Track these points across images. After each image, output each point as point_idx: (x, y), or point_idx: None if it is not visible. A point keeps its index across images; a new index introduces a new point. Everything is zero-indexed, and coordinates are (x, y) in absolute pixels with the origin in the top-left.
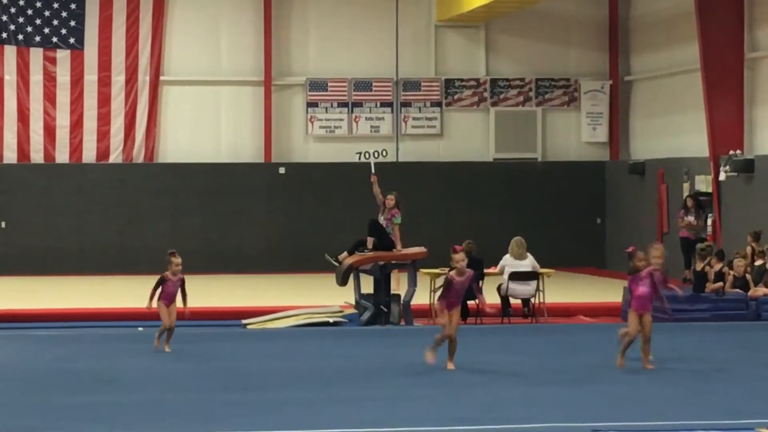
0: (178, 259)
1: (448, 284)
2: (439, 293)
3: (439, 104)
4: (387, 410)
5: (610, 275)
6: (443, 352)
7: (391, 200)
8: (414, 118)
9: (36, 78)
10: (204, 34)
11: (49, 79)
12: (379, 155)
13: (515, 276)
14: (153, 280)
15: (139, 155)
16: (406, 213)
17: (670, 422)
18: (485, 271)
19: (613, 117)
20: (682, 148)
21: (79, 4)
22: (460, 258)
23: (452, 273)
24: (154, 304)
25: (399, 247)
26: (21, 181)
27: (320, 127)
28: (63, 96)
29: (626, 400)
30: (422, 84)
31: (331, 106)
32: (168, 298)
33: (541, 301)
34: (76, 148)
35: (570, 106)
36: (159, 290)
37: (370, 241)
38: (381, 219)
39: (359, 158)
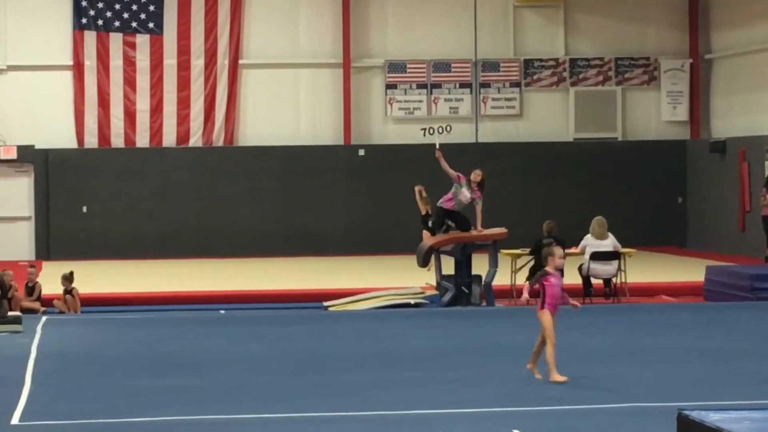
0: (560, 251)
1: None
2: None
3: (518, 84)
4: (469, 391)
5: (692, 255)
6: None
7: (478, 175)
8: (493, 99)
9: (116, 63)
10: (282, 16)
11: (129, 63)
12: (443, 131)
13: (596, 256)
14: (232, 263)
15: (218, 138)
16: (486, 193)
17: (757, 401)
18: (567, 251)
19: (694, 95)
20: (764, 126)
21: None
22: None
23: None
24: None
25: (479, 227)
26: (101, 166)
27: (399, 108)
28: (143, 80)
29: (710, 379)
30: (501, 64)
31: (410, 87)
32: (552, 302)
33: (623, 280)
34: (156, 132)
35: (650, 85)
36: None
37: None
38: (466, 191)
39: (424, 134)
